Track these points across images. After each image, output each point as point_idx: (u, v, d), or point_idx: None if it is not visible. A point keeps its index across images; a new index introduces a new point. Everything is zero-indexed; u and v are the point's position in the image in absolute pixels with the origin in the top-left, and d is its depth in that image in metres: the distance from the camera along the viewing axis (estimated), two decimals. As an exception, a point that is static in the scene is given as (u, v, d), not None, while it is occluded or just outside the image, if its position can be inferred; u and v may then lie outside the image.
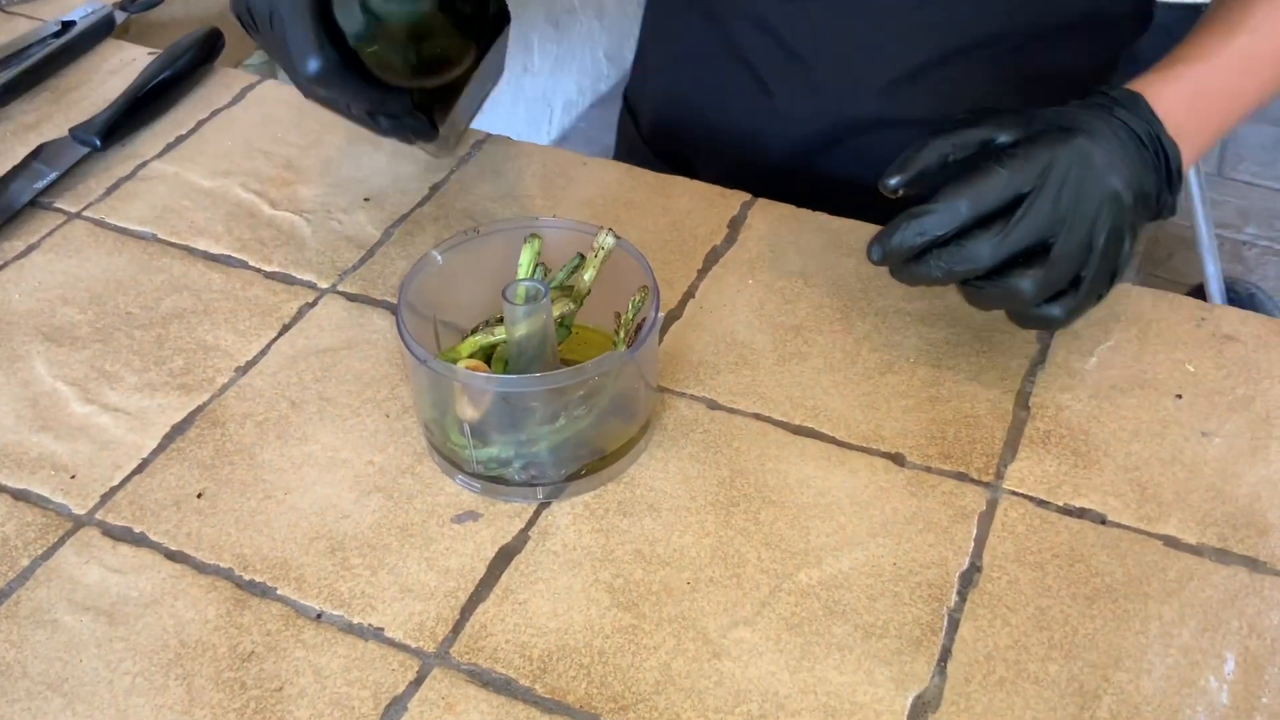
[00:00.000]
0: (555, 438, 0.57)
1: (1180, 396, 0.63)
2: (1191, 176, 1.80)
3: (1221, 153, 2.44)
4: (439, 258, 0.61)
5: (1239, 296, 1.92)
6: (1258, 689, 0.50)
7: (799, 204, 0.75)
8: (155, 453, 0.61)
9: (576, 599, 0.54)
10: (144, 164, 0.80)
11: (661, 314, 0.57)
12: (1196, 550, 0.55)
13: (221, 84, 0.88)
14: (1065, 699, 0.50)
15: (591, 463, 0.58)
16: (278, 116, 0.84)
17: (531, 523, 0.57)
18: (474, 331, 0.62)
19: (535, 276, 0.61)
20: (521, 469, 0.57)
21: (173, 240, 0.74)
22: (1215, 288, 1.86)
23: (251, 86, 0.87)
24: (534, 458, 0.57)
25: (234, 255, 0.73)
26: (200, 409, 0.63)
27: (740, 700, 0.50)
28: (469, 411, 0.57)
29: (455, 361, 0.60)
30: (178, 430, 0.62)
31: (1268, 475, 0.59)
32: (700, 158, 0.91)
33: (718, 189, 0.77)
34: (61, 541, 0.57)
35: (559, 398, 0.55)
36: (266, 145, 0.82)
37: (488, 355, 0.61)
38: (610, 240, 0.60)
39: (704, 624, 0.53)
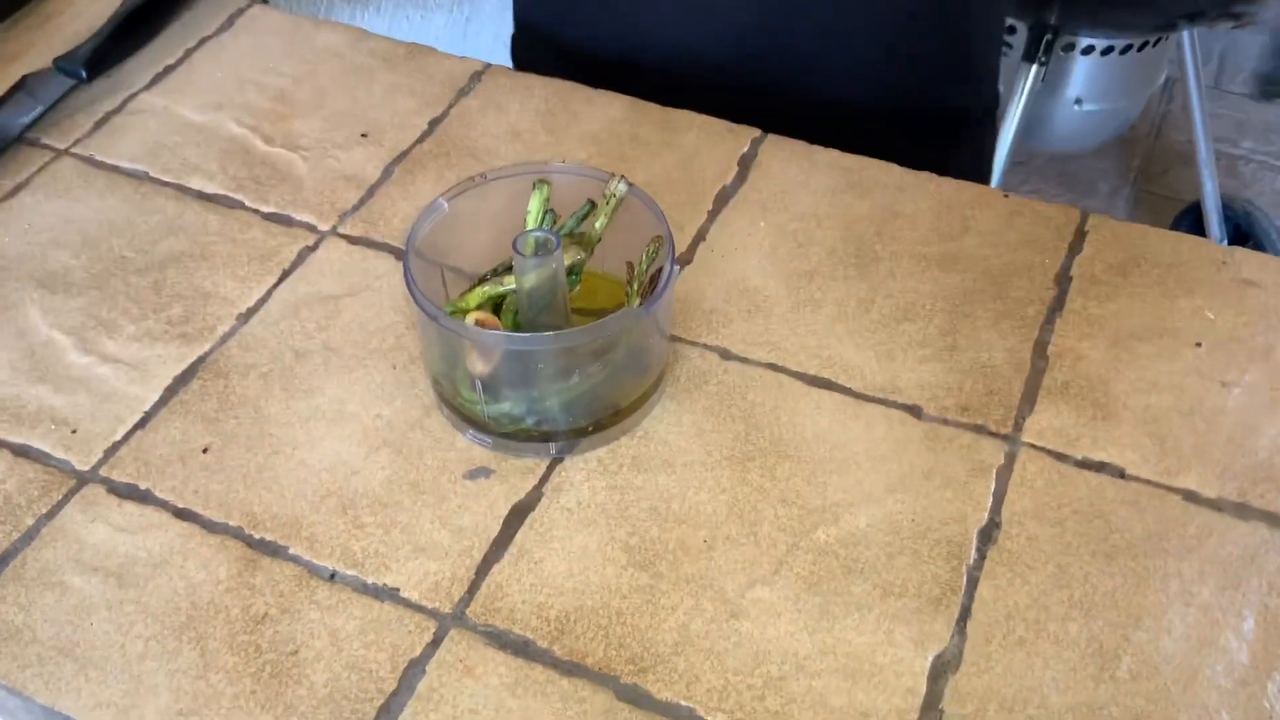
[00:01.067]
0: (568, 394, 0.56)
1: (1200, 345, 0.62)
2: (1191, 89, 1.77)
3: (1219, 65, 2.40)
4: (446, 205, 0.59)
5: (1235, 214, 1.90)
6: (1276, 647, 0.50)
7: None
8: (157, 406, 0.60)
9: (592, 558, 0.53)
10: (132, 96, 0.77)
11: (678, 267, 0.56)
12: (1216, 505, 0.55)
13: (209, 9, 0.84)
14: (1085, 659, 0.50)
15: (605, 418, 0.57)
16: (269, 45, 0.81)
17: (545, 479, 0.57)
18: (482, 280, 0.61)
19: (544, 223, 0.59)
20: (534, 424, 0.56)
21: (165, 179, 0.72)
22: (1212, 205, 1.85)
23: (241, 12, 0.84)
24: (547, 413, 0.56)
25: (230, 195, 0.71)
26: (202, 359, 0.62)
27: (760, 661, 0.50)
28: (479, 366, 0.56)
29: (464, 313, 0.59)
30: (180, 382, 0.61)
31: (1288, 428, 0.58)
32: (617, 76, 0.79)
33: (726, 124, 0.74)
34: (66, 500, 0.56)
35: (573, 355, 0.54)
36: (258, 76, 0.79)
37: (496, 305, 0.60)
38: (623, 188, 0.58)
39: (722, 583, 0.52)
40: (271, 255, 0.67)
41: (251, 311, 0.64)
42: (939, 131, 0.87)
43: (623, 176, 0.58)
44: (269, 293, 0.65)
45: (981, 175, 0.94)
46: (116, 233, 0.69)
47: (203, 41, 0.82)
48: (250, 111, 0.76)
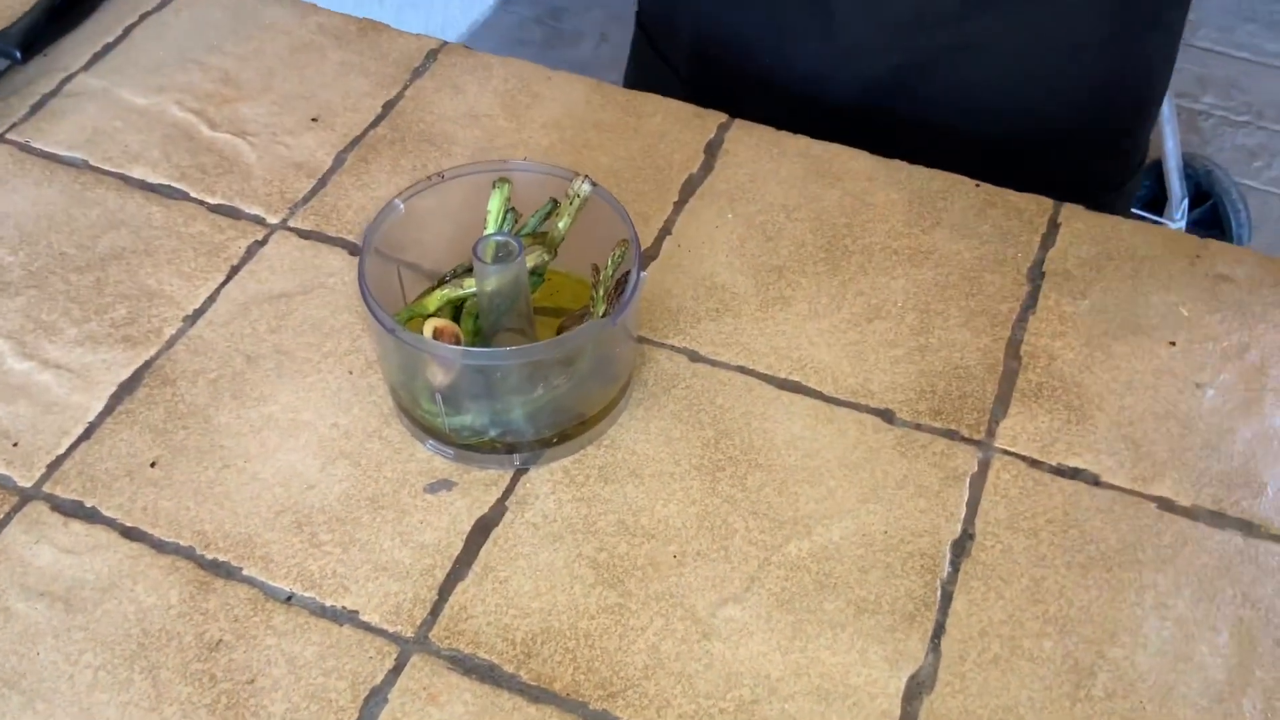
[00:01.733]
0: (533, 405, 0.54)
1: (1174, 344, 0.61)
2: (1155, 50, 1.76)
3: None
4: (402, 207, 0.56)
5: (1196, 173, 1.90)
6: (1251, 662, 0.50)
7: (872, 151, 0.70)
8: (102, 415, 0.57)
9: (559, 576, 0.52)
10: (70, 77, 0.74)
11: (645, 273, 0.54)
12: (1191, 514, 0.54)
13: (148, -18, 0.80)
14: (1060, 676, 0.49)
15: (570, 427, 0.55)
16: (212, 20, 0.78)
17: (509, 491, 0.55)
18: (441, 282, 0.59)
19: (506, 223, 0.57)
20: (497, 436, 0.55)
21: (106, 168, 0.68)
22: (1174, 164, 1.84)
23: (181, -15, 0.80)
24: (510, 425, 0.54)
25: (174, 185, 0.68)
26: (148, 365, 0.59)
27: (732, 684, 0.49)
28: (439, 378, 0.54)
29: (422, 317, 0.56)
30: (125, 390, 0.58)
31: (1261, 431, 0.57)
32: (751, 101, 0.75)
33: (693, 108, 0.72)
34: (8, 519, 0.54)
35: (538, 365, 0.52)
36: (201, 55, 0.75)
37: (456, 309, 0.58)
38: (586, 188, 0.56)
39: (692, 601, 0.51)
40: (219, 251, 0.65)
41: (199, 312, 0.62)
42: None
43: (587, 176, 0.56)
44: (217, 291, 0.63)
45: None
46: (55, 227, 0.65)
47: (143, 17, 0.78)
48: (194, 94, 0.73)
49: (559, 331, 0.58)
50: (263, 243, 0.65)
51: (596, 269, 0.57)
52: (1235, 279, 0.64)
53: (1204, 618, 0.51)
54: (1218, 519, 0.54)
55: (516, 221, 0.58)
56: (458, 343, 0.55)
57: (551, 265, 0.58)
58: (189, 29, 0.77)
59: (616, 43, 2.17)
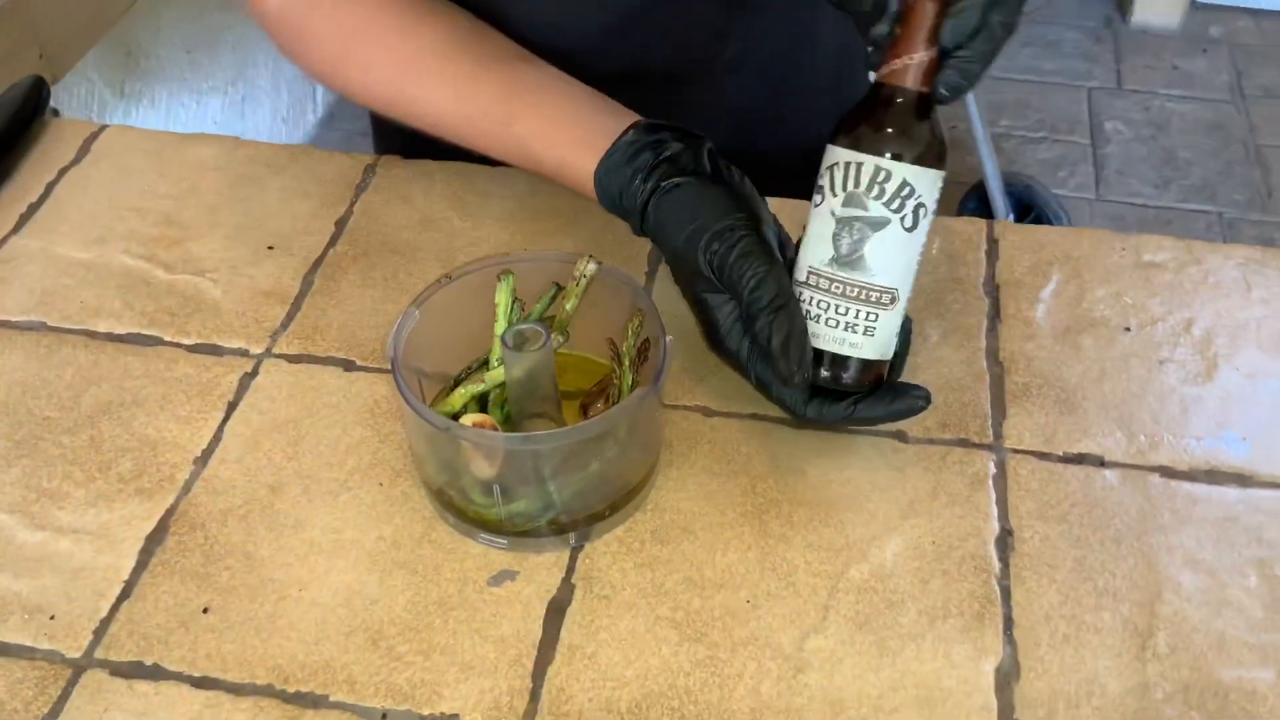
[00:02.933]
0: (584, 481, 0.55)
1: (1129, 329, 0.67)
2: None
3: (968, 52, 2.58)
4: (417, 313, 0.57)
5: (1016, 189, 2.04)
6: (1280, 596, 0.55)
7: None
8: (137, 571, 0.56)
9: (644, 641, 0.53)
10: (2, 242, 0.71)
11: (670, 338, 0.56)
12: (1190, 476, 0.60)
13: (59, 137, 0.79)
14: (1126, 642, 0.53)
15: (619, 498, 0.57)
16: (136, 166, 0.77)
17: (571, 569, 0.56)
18: (459, 381, 0.59)
19: (513, 314, 0.58)
20: (551, 518, 0.56)
21: (68, 326, 0.67)
22: (995, 184, 1.98)
23: (95, 136, 0.79)
24: (564, 505, 0.55)
25: (144, 333, 0.66)
26: (171, 512, 0.58)
27: (837, 711, 0.51)
28: (486, 469, 0.55)
29: (453, 416, 0.57)
30: (154, 541, 0.57)
31: (1225, 392, 0.63)
32: None
33: (636, 184, 0.75)
34: (67, 693, 0.51)
35: (587, 444, 0.54)
36: (135, 201, 0.74)
37: (480, 404, 0.59)
38: (593, 268, 0.58)
39: (778, 640, 0.53)
40: (210, 389, 0.64)
41: (208, 452, 0.61)
42: None
43: (590, 256, 0.58)
44: (220, 429, 0.62)
45: None
46: (31, 393, 0.63)
47: (62, 173, 0.76)
48: (139, 240, 0.72)
49: (582, 408, 0.60)
50: (254, 374, 0.64)
51: (613, 343, 0.59)
52: (1163, 264, 0.71)
53: (1230, 565, 0.56)
54: (1213, 475, 0.60)
55: (523, 310, 0.59)
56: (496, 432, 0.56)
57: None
58: (114, 178, 0.76)
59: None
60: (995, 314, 0.68)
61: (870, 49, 0.54)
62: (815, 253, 0.55)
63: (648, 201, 0.59)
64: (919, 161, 0.54)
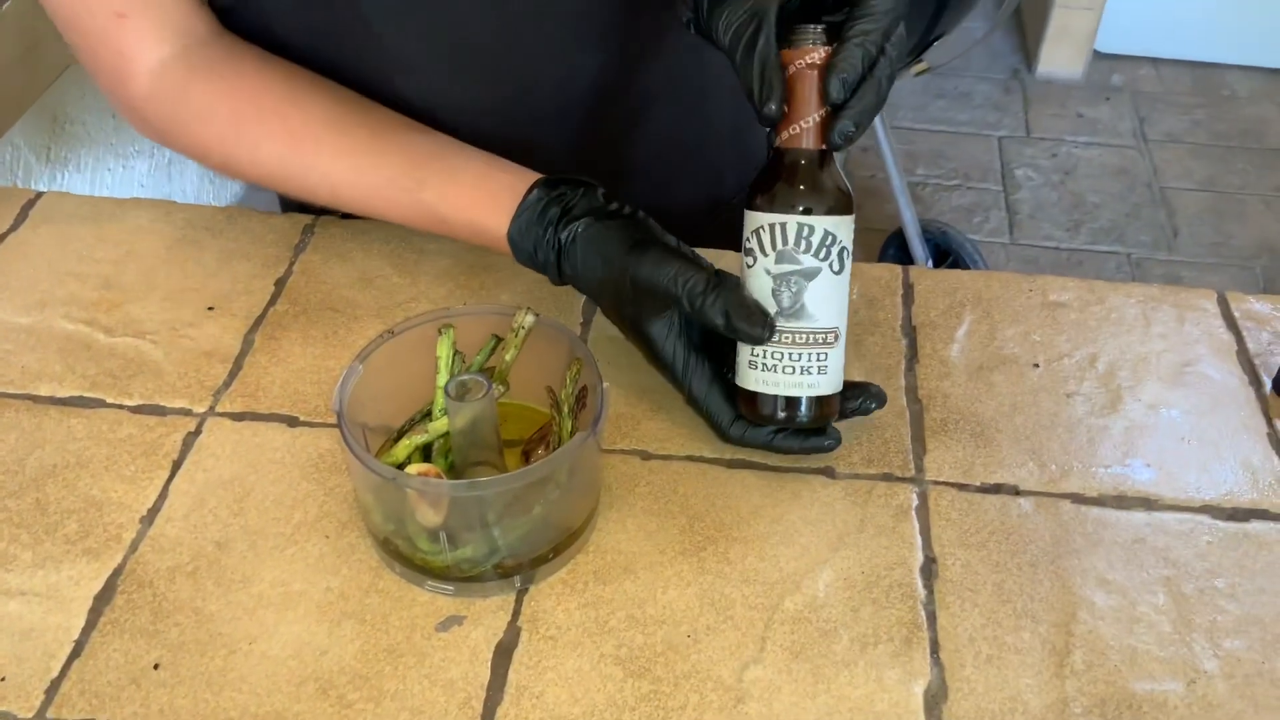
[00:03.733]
0: (529, 525, 0.57)
1: (1037, 365, 0.71)
2: (879, 132, 1.97)
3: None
4: (361, 368, 0.59)
5: (933, 235, 2.11)
6: (1186, 611, 0.58)
7: None
8: (87, 630, 0.56)
9: (590, 679, 0.55)
10: (-61, 310, 0.72)
11: (607, 384, 0.59)
12: (1099, 502, 0.63)
13: (-5, 205, 0.80)
14: (1045, 660, 0.56)
15: (562, 540, 0.59)
16: (75, 233, 0.78)
17: (517, 612, 0.58)
18: (403, 432, 0.61)
19: (455, 366, 0.60)
20: (497, 562, 0.57)
21: (10, 391, 0.67)
22: (913, 231, 2.04)
23: (32, 203, 0.80)
24: (510, 549, 0.57)
25: (87, 395, 0.67)
26: (118, 571, 0.59)
27: (777, 736, 0.53)
28: (432, 517, 0.57)
29: (398, 466, 0.59)
30: (102, 601, 0.58)
31: (1131, 422, 0.67)
32: None
33: (568, 239, 0.78)
34: (19, 754, 0.52)
35: (531, 488, 0.56)
36: (74, 266, 0.75)
37: (424, 453, 0.60)
38: (531, 319, 0.61)
39: (718, 672, 0.55)
40: (155, 449, 0.65)
41: (154, 511, 0.62)
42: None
43: (529, 308, 0.61)
44: (166, 487, 0.63)
45: None
46: (-26, 458, 0.64)
47: (0, 240, 0.77)
48: (79, 304, 0.73)
49: (524, 454, 0.62)
50: (197, 433, 0.66)
51: (552, 390, 0.61)
52: (1067, 303, 0.75)
53: (1140, 584, 0.59)
54: (1121, 501, 0.63)
55: (463, 362, 0.61)
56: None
57: (494, 398, 0.62)
58: (52, 244, 0.77)
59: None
60: (913, 354, 0.71)
61: (763, 123, 0.58)
62: None
63: (560, 251, 0.64)
64: (834, 211, 0.58)
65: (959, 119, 2.65)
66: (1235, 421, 0.68)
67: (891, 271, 0.77)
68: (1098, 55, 2.80)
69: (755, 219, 0.59)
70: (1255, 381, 0.70)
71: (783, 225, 0.58)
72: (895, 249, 2.17)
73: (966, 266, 2.12)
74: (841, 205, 0.58)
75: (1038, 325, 0.73)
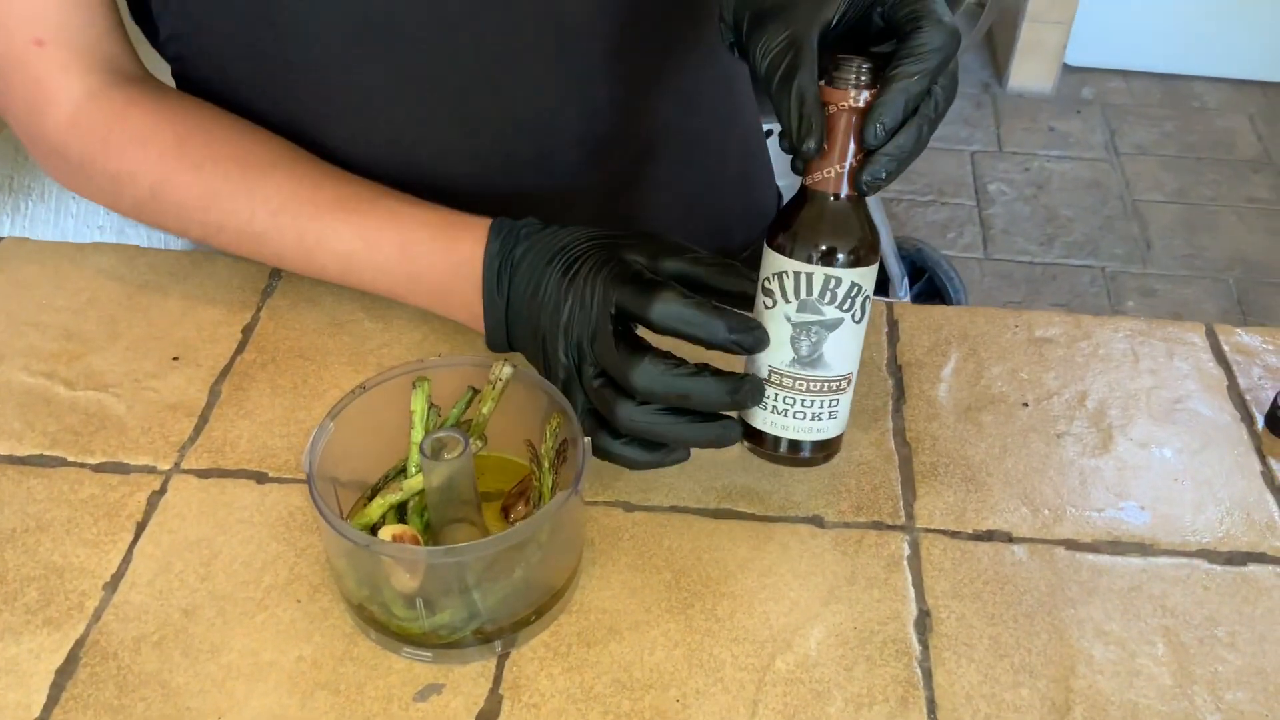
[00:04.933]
0: (509, 588, 0.55)
1: (1026, 404, 0.69)
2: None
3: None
4: (332, 425, 0.57)
5: (909, 253, 2.10)
6: (1186, 661, 0.57)
7: None
8: (48, 707, 0.54)
9: (575, 748, 0.53)
10: (-109, 365, 0.69)
11: (588, 439, 0.57)
12: (1094, 548, 0.62)
13: (-50, 252, 0.77)
14: (1045, 718, 0.54)
15: (544, 601, 0.57)
16: (33, 279, 0.75)
17: (498, 679, 0.55)
18: (377, 489, 0.59)
19: (430, 420, 0.58)
20: (477, 627, 0.55)
21: (-35, 451, 0.65)
22: (889, 249, 2.03)
23: (-12, 249, 0.77)
24: (489, 613, 0.55)
25: (47, 454, 0.65)
26: (80, 643, 0.56)
27: (771, 806, 0.51)
28: (408, 583, 0.54)
29: (371, 527, 0.57)
30: (64, 675, 0.55)
31: (1123, 462, 0.66)
32: None
33: (544, 279, 0.76)
34: (-25, 846, 0.49)
35: (513, 549, 0.54)
36: (32, 315, 0.73)
37: (400, 511, 0.58)
38: (508, 371, 0.59)
39: (708, 738, 0.53)
40: (117, 510, 0.62)
41: (118, 577, 0.59)
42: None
43: (506, 360, 0.59)
44: (130, 551, 0.60)
45: None
46: (-73, 523, 0.61)
47: (-46, 288, 0.74)
48: (38, 356, 0.70)
49: (504, 510, 0.60)
50: (161, 491, 0.63)
51: (531, 445, 0.59)
52: (1054, 339, 0.74)
53: (1138, 635, 0.58)
54: (1116, 546, 0.62)
55: (439, 416, 0.59)
56: (418, 544, 0.56)
57: (471, 451, 0.60)
58: (9, 292, 0.74)
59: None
60: (900, 394, 0.70)
61: (796, 159, 0.55)
62: (775, 355, 0.57)
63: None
64: (860, 263, 0.56)
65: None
66: (1229, 460, 0.66)
67: (875, 308, 0.75)
68: (1068, 68, 2.80)
69: (778, 263, 0.56)
70: (1247, 418, 0.69)
71: (809, 276, 0.55)
72: (871, 266, 2.16)
73: (942, 283, 2.11)
74: (868, 255, 0.56)
75: (1025, 362, 0.72)
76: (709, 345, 0.57)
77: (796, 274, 0.56)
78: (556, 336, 0.59)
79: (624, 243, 0.60)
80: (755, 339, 0.56)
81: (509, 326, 0.62)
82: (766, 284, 0.57)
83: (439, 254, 0.65)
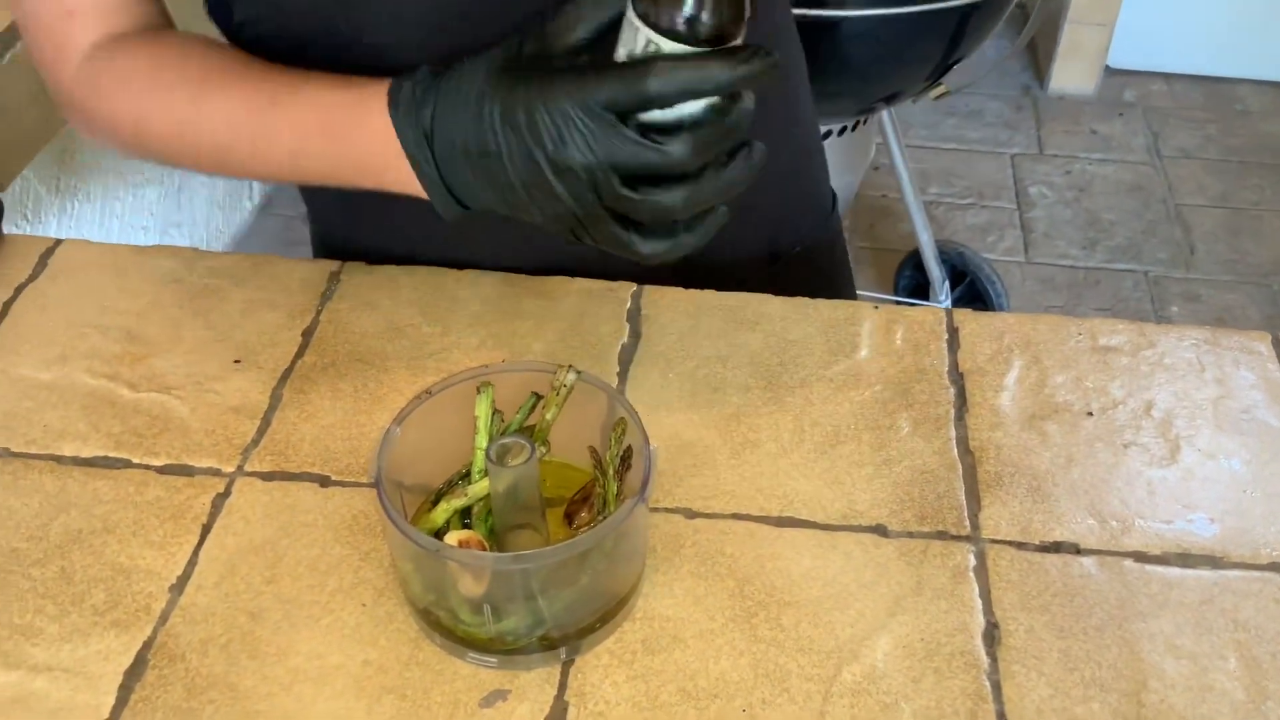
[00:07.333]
0: (576, 595, 0.55)
1: (1091, 414, 0.69)
2: (895, 154, 1.94)
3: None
4: (399, 430, 0.57)
5: (950, 256, 2.09)
6: (1259, 677, 0.56)
7: None
8: (117, 709, 0.54)
9: (642, 756, 0.53)
10: (-42, 366, 0.70)
11: (655, 445, 0.56)
12: (1163, 560, 0.61)
13: (14, 254, 0.78)
14: (1116, 733, 0.54)
15: (609, 608, 0.56)
16: (96, 282, 0.76)
17: (563, 686, 0.55)
18: (441, 494, 0.59)
19: (494, 425, 0.58)
20: (542, 634, 0.55)
21: (32, 451, 0.65)
22: (930, 253, 2.02)
23: (50, 251, 0.78)
24: (555, 620, 0.55)
25: (112, 455, 0.65)
26: (148, 645, 0.57)
27: (840, 818, 0.51)
28: (474, 588, 0.54)
29: (435, 532, 0.57)
30: (133, 677, 0.55)
31: (1190, 473, 0.65)
32: None
33: (602, 283, 0.76)
34: (49, 846, 0.49)
35: (581, 557, 0.54)
36: (95, 317, 0.73)
37: (464, 516, 0.58)
38: (572, 377, 0.58)
39: (776, 749, 0.53)
40: (183, 512, 0.62)
41: (184, 579, 0.59)
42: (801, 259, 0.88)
43: (571, 366, 0.59)
44: (195, 553, 0.61)
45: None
46: (-4, 524, 0.62)
47: (19, 291, 0.75)
48: (101, 358, 0.71)
49: (567, 516, 0.59)
50: (226, 494, 0.63)
51: (595, 451, 0.59)
52: (1119, 347, 0.73)
53: (1209, 649, 0.57)
54: (1186, 559, 0.61)
55: (502, 422, 0.59)
56: (484, 550, 0.56)
57: (533, 457, 0.60)
58: (72, 295, 0.75)
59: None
60: (962, 403, 0.69)
61: None
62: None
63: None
64: None
65: (971, 136, 2.63)
66: (1299, 472, 0.65)
67: (935, 315, 0.75)
68: (1109, 71, 2.78)
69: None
70: (1316, 429, 0.68)
71: None
72: (911, 270, 2.15)
73: (984, 287, 2.09)
74: None
75: (1089, 370, 0.71)
76: (715, 93, 0.53)
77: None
78: (548, 181, 0.55)
79: (523, 63, 0.57)
80: (765, 61, 0.52)
81: (451, 190, 0.59)
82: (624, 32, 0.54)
83: (359, 135, 0.62)
